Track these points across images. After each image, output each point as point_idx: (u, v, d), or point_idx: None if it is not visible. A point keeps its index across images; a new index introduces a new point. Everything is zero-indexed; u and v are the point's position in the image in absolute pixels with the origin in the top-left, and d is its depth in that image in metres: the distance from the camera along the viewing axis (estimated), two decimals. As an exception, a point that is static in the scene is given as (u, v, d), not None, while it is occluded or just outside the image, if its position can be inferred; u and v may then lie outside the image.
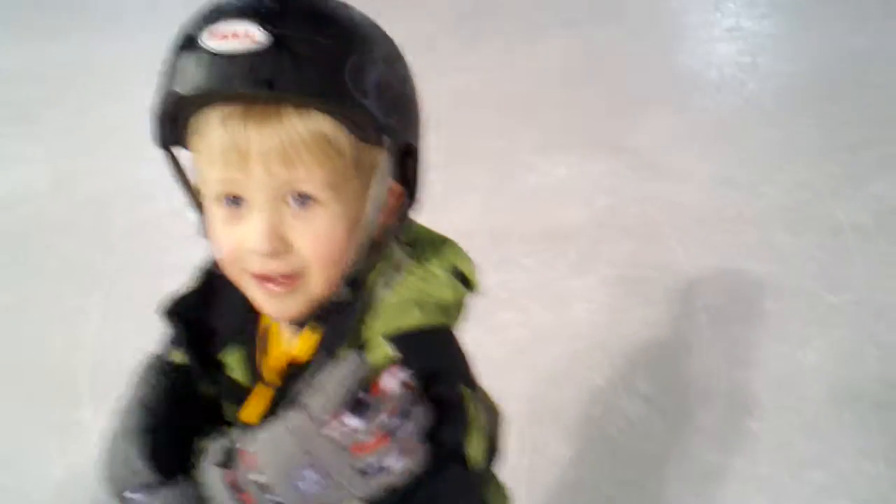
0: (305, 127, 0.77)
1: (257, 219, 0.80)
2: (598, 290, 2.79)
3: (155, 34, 5.48)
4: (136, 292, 2.94)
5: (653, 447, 2.22)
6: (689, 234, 3.08)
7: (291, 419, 0.78)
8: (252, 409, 0.93)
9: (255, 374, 0.96)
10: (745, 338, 2.58)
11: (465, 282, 0.93)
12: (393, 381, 0.79)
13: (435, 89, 4.27)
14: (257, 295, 0.87)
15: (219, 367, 0.98)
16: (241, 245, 0.83)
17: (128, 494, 0.88)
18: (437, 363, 0.85)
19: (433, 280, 0.89)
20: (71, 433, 2.35)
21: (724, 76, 4.43)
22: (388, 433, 0.76)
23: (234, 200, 0.82)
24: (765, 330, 2.60)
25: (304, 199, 0.80)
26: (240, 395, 0.95)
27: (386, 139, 0.82)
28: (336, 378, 0.78)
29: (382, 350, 0.83)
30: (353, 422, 0.76)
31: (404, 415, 0.77)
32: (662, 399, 2.36)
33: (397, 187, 0.89)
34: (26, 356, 2.66)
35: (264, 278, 0.84)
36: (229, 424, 0.94)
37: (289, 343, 0.94)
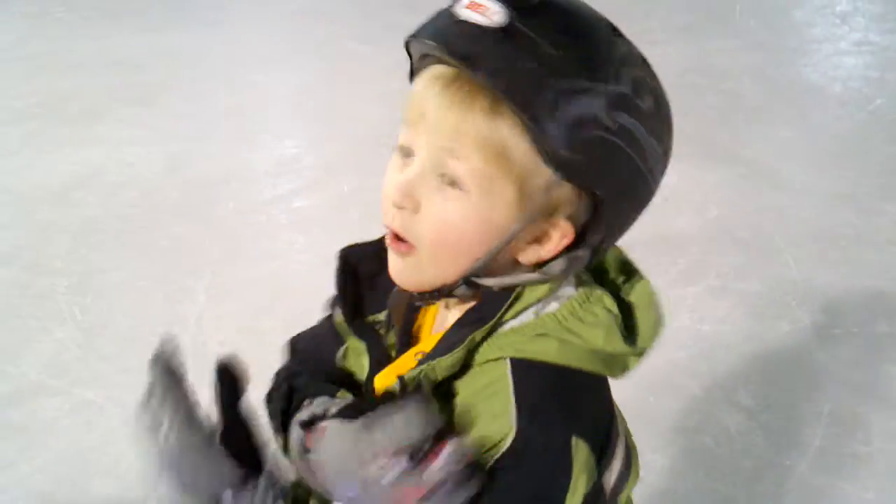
0: (486, 121, 0.74)
1: (404, 171, 0.80)
2: (706, 299, 2.74)
3: (266, 24, 5.68)
4: (241, 276, 3.03)
5: (751, 463, 2.16)
6: (804, 249, 2.99)
7: (359, 430, 0.75)
8: (385, 377, 0.89)
9: (404, 344, 0.94)
10: (856, 358, 2.49)
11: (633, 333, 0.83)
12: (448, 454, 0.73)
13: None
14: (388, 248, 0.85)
15: (372, 327, 0.97)
16: (383, 190, 0.83)
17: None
18: (550, 405, 0.79)
19: (589, 318, 0.80)
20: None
21: (849, 90, 4.29)
22: (435, 489, 0.72)
23: (406, 151, 0.81)
24: (877, 352, 2.50)
25: (451, 180, 0.77)
26: (382, 360, 0.92)
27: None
28: (411, 420, 0.73)
29: (497, 369, 0.79)
30: (404, 464, 0.73)
31: (456, 483, 0.73)
32: (765, 415, 2.29)
33: (567, 227, 0.80)
34: (131, 333, 2.76)
35: (387, 229, 0.84)
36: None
37: (441, 324, 0.91)
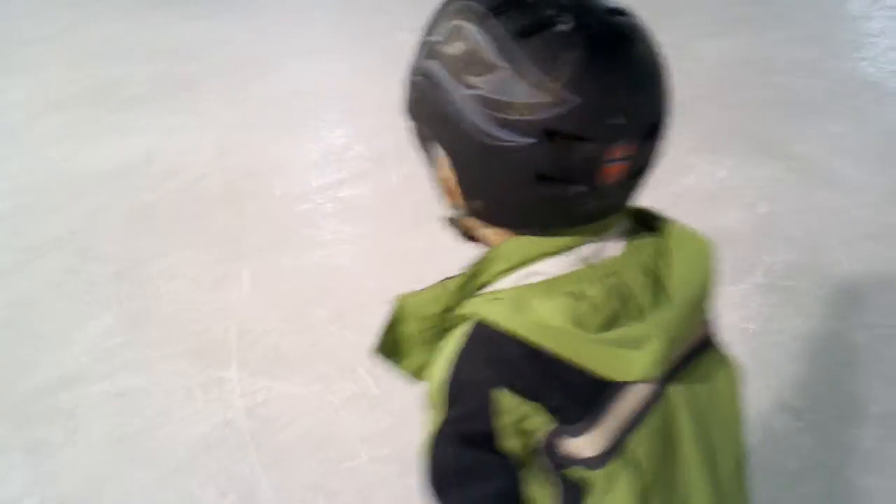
0: None
1: None
2: (754, 297, 2.68)
3: (316, 13, 5.69)
4: (284, 264, 3.04)
5: (799, 463, 2.11)
6: (856, 248, 2.92)
7: None
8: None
9: None
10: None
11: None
12: None
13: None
14: None
15: None
16: None
17: None
18: (477, 357, 0.81)
19: (544, 293, 0.80)
20: (216, 392, 2.46)
21: (906, 85, 4.18)
22: None
23: None
24: (929, 354, 2.44)
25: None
26: None
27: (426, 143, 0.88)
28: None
29: (462, 324, 0.83)
30: None
31: None
32: (812, 415, 2.24)
33: (446, 167, 0.84)
34: (177, 320, 2.79)
35: None
36: None
37: None
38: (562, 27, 0.73)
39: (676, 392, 0.85)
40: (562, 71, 0.72)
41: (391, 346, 0.91)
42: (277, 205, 3.45)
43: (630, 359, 0.78)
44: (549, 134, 0.73)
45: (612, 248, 0.85)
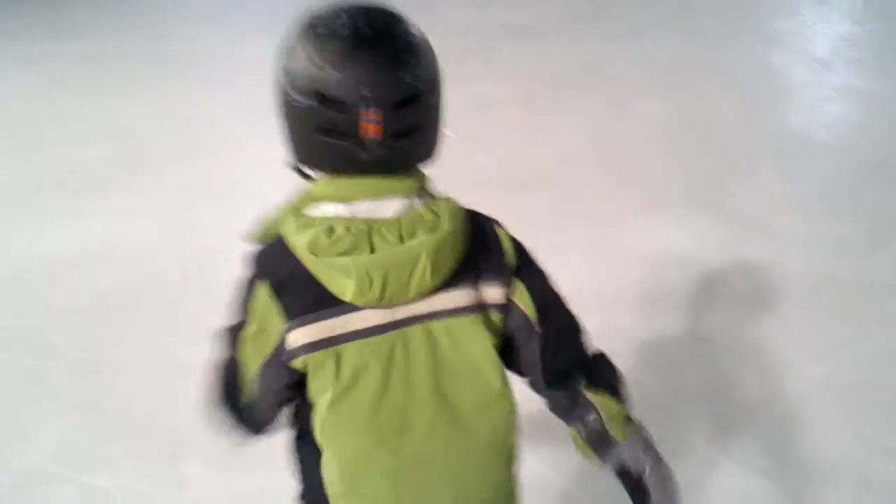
0: None
1: None
2: (708, 358, 2.75)
3: (259, 90, 5.63)
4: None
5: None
6: (802, 301, 3.01)
7: None
8: None
9: None
10: (875, 417, 2.49)
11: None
12: None
13: (537, 147, 4.36)
14: None
15: None
16: None
17: None
18: (257, 257, 1.22)
19: (310, 224, 1.14)
20: (175, 489, 2.43)
21: (835, 137, 4.35)
22: None
23: None
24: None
25: None
26: None
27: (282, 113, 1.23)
28: None
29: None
30: None
31: None
32: (782, 474, 2.29)
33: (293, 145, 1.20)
34: (142, 416, 2.75)
35: None
36: None
37: None
38: (342, 32, 1.09)
39: (416, 334, 1.17)
40: (331, 56, 1.08)
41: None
42: (227, 285, 3.42)
43: (344, 284, 1.10)
44: (321, 96, 1.09)
45: (384, 210, 1.15)
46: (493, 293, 1.21)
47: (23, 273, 3.70)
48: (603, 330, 2.81)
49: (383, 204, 1.15)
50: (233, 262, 3.43)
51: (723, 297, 3.07)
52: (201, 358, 2.87)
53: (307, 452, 1.28)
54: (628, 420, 1.28)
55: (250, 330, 1.20)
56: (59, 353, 3.11)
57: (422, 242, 1.12)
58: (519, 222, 3.59)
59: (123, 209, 4.22)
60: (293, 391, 1.22)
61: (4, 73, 6.79)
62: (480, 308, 1.20)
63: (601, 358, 1.38)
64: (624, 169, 4.04)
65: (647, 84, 5.11)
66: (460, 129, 4.63)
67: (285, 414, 1.33)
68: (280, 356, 1.17)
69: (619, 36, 6.05)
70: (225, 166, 4.61)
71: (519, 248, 1.26)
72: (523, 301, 1.24)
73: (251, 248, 1.23)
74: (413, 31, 1.14)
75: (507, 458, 1.27)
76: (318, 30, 1.11)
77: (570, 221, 3.62)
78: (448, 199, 1.21)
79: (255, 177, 4.43)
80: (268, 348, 1.18)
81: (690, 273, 3.20)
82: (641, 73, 5.30)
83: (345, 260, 1.10)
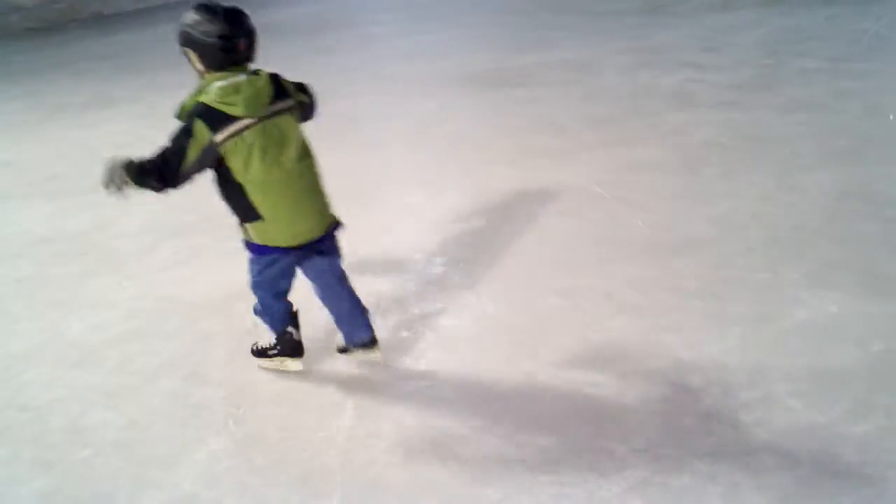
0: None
1: None
2: (873, 441, 2.56)
3: (420, 147, 5.73)
4: (390, 393, 3.06)
5: None
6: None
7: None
8: None
9: None
10: None
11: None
12: None
13: (697, 213, 4.25)
14: None
15: None
16: None
17: None
18: (193, 111, 2.66)
19: (213, 88, 2.66)
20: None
21: None
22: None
23: None
24: None
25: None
26: None
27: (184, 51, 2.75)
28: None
29: (194, 100, 2.70)
30: None
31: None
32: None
33: (196, 59, 2.72)
34: (283, 446, 2.84)
35: None
36: None
37: None
38: (222, 9, 2.65)
39: (268, 125, 2.71)
40: (223, 19, 2.63)
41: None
42: (380, 333, 3.49)
43: (236, 107, 2.61)
44: (223, 36, 2.62)
45: (241, 77, 2.66)
46: (289, 102, 2.83)
47: (182, 307, 3.90)
48: (756, 403, 2.73)
49: (242, 76, 2.68)
50: (378, 309, 3.50)
51: (893, 380, 2.87)
52: (341, 397, 2.99)
53: (232, 191, 2.78)
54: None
55: (192, 142, 2.63)
56: (211, 383, 3.25)
57: (261, 85, 2.69)
58: (674, 287, 3.54)
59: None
60: (215, 165, 2.71)
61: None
62: (289, 110, 2.82)
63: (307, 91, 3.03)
64: (786, 240, 3.88)
65: (815, 155, 4.91)
66: (620, 190, 4.66)
67: (198, 177, 2.74)
68: (213, 146, 2.64)
69: (788, 105, 5.86)
70: (375, 219, 4.74)
71: (293, 82, 2.92)
72: (300, 93, 2.94)
73: (180, 121, 2.69)
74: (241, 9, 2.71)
75: (320, 177, 2.94)
76: (211, 10, 2.64)
77: (728, 290, 3.49)
78: (261, 70, 2.77)
79: (403, 232, 4.54)
80: (203, 144, 2.63)
81: (855, 352, 3.02)
82: (809, 144, 5.11)
83: (234, 97, 2.62)
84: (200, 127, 2.60)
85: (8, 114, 8.34)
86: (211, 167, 2.70)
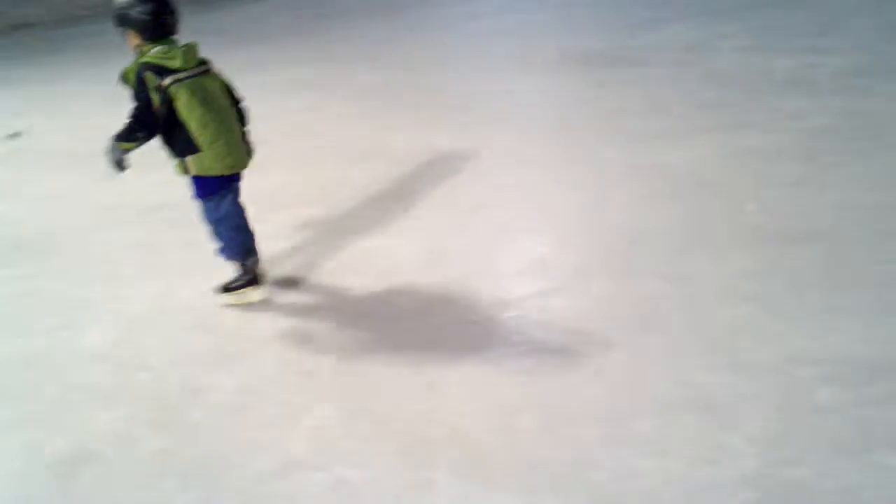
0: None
1: None
2: None
3: (517, 128, 5.73)
4: (495, 368, 3.07)
5: None
6: None
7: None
8: None
9: None
10: None
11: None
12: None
13: (812, 201, 4.09)
14: None
15: None
16: None
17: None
18: (142, 69, 3.32)
19: (151, 53, 3.34)
20: (423, 492, 2.49)
21: None
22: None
23: None
24: None
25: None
26: None
27: (122, 30, 3.41)
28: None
29: (138, 63, 3.36)
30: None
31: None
32: None
33: (135, 36, 3.38)
34: (389, 417, 2.88)
35: None
36: None
37: None
38: (154, 2, 3.35)
39: (201, 80, 3.40)
40: (161, 8, 3.35)
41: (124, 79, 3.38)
42: (486, 311, 3.50)
43: (174, 62, 3.31)
44: (153, 13, 3.32)
45: (177, 43, 3.40)
46: (211, 67, 3.52)
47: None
48: (877, 398, 2.63)
49: (175, 44, 3.38)
50: (479, 285, 3.53)
51: None
52: (447, 373, 3.02)
53: (178, 129, 3.38)
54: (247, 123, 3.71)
55: (149, 89, 3.27)
56: (320, 352, 3.32)
57: (191, 48, 3.40)
58: (791, 276, 3.44)
59: (383, 229, 4.49)
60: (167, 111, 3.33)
61: (296, 95, 7.38)
62: (212, 70, 3.52)
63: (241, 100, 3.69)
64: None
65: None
66: (731, 175, 4.54)
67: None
68: (161, 89, 3.28)
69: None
70: (475, 198, 4.74)
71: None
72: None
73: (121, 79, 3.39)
74: None
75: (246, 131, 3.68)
76: (153, 5, 3.31)
77: (847, 281, 3.38)
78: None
79: (502, 210, 4.53)
80: (155, 87, 3.28)
81: None
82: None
83: (173, 54, 3.31)
84: (150, 76, 3.28)
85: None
86: (166, 109, 3.33)
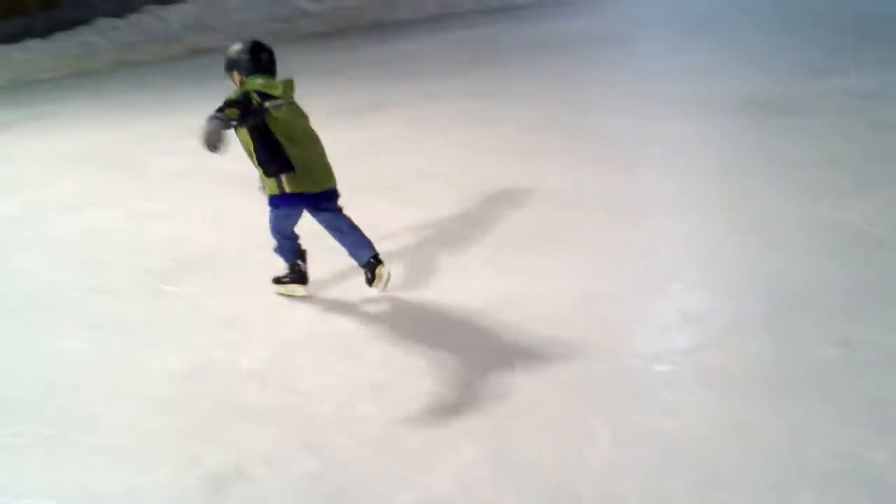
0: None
1: None
2: None
3: (682, 172, 5.57)
4: (643, 425, 2.97)
5: None
6: None
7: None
8: None
9: None
10: None
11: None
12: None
13: None
14: None
15: None
16: None
17: None
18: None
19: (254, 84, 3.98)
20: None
21: None
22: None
23: None
24: None
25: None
26: None
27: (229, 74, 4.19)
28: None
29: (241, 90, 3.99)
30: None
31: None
32: None
33: (237, 76, 4.13)
34: (536, 462, 2.84)
35: None
36: None
37: None
38: (248, 40, 4.21)
39: (293, 110, 4.06)
40: (250, 44, 4.14)
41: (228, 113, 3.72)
42: (637, 361, 3.41)
43: (276, 91, 3.94)
44: (251, 51, 4.10)
45: (277, 78, 4.12)
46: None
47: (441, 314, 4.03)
48: None
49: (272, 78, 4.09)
50: (631, 334, 3.47)
51: None
52: (594, 423, 2.94)
53: (273, 147, 3.93)
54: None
55: (252, 98, 3.81)
56: (474, 391, 3.32)
57: (290, 82, 4.06)
58: None
59: (533, 266, 4.46)
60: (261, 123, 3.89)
61: (460, 129, 7.49)
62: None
63: None
64: None
65: None
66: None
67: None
68: (261, 108, 3.84)
69: None
70: (632, 242, 4.66)
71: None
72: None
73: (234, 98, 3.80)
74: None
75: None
76: (243, 41, 4.16)
77: None
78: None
79: (657, 259, 4.41)
80: (257, 103, 3.82)
81: None
82: None
83: (275, 85, 3.97)
84: (254, 96, 3.81)
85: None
86: (260, 125, 3.89)
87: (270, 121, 3.88)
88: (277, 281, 4.43)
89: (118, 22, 15.36)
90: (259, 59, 4.05)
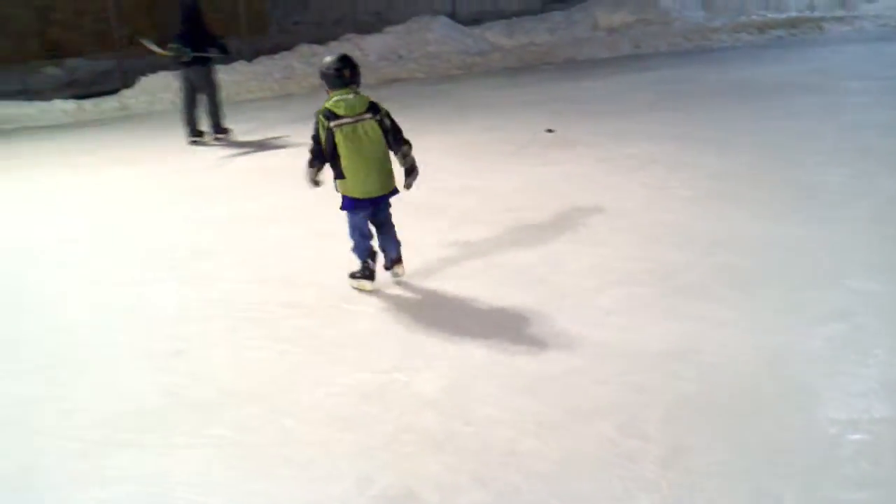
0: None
1: None
2: None
3: (884, 229, 5.24)
4: (827, 495, 2.81)
5: None
6: None
7: None
8: None
9: None
10: None
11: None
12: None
13: None
14: None
15: None
16: None
17: None
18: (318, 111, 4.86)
19: (333, 100, 4.76)
20: None
21: None
22: None
23: None
24: None
25: None
26: None
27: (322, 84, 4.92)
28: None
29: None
30: None
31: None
32: None
33: (326, 88, 4.87)
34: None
35: None
36: None
37: None
38: (338, 55, 4.90)
39: (359, 125, 4.73)
40: (337, 60, 4.82)
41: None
42: (827, 429, 3.24)
43: (340, 110, 4.70)
44: (335, 69, 4.76)
45: (349, 95, 4.75)
46: (376, 115, 4.79)
47: (616, 357, 3.97)
48: None
49: (350, 95, 4.73)
50: (821, 397, 3.29)
51: None
52: (778, 491, 2.81)
53: (336, 159, 4.76)
54: (411, 160, 4.90)
55: (319, 128, 4.75)
56: (646, 438, 3.26)
57: (357, 100, 4.73)
58: None
59: (716, 316, 4.34)
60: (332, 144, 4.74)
61: (642, 171, 7.40)
62: (373, 118, 4.77)
63: (407, 142, 4.89)
64: None
65: None
66: None
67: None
68: (328, 129, 4.70)
69: None
70: (821, 304, 4.44)
71: (385, 110, 4.84)
72: (385, 118, 4.81)
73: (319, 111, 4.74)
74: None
75: (389, 164, 4.88)
76: (333, 56, 4.83)
77: None
78: (361, 92, 4.80)
79: (847, 327, 4.15)
80: (324, 127, 4.71)
81: None
82: None
83: (341, 104, 4.70)
84: (321, 119, 4.71)
85: (483, 144, 9.12)
86: (331, 144, 4.72)
87: (335, 134, 4.70)
88: (351, 276, 5.15)
89: (318, 48, 16.11)
90: (342, 75, 4.73)
